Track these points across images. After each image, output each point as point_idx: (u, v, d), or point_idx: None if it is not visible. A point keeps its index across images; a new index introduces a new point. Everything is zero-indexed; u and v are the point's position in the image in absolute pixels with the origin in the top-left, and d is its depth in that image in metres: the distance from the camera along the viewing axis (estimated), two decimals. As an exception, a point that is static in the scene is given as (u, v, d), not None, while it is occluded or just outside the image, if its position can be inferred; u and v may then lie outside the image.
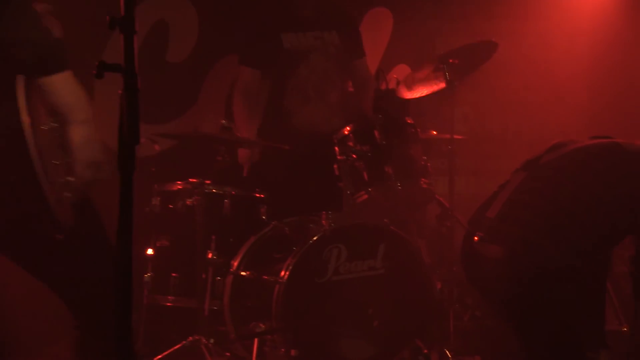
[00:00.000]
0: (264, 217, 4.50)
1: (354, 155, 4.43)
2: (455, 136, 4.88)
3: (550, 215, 3.55)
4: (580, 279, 3.60)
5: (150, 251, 4.47)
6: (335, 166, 4.48)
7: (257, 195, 4.55)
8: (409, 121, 4.59)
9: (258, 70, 4.97)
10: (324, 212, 4.25)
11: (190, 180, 4.43)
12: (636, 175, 3.61)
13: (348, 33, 5.11)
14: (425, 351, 4.02)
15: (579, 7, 6.27)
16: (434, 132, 4.97)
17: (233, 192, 4.42)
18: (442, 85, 4.89)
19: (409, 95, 5.14)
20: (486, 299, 3.92)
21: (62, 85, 2.97)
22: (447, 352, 4.32)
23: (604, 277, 3.82)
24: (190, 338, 4.30)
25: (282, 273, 4.05)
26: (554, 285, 3.53)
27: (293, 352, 3.98)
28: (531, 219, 3.55)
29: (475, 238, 3.66)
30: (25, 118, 2.87)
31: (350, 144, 4.46)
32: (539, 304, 3.54)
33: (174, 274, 4.47)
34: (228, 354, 4.36)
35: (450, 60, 4.79)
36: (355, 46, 5.19)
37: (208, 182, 4.41)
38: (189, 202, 4.41)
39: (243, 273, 4.30)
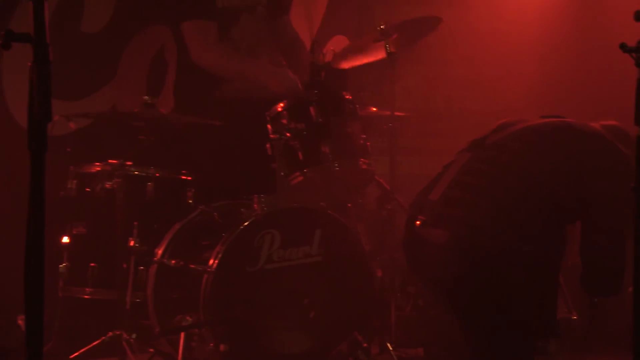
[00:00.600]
0: (190, 202, 4.48)
1: (288, 134, 4.42)
2: (397, 113, 4.89)
3: (495, 197, 3.60)
4: (528, 264, 3.64)
5: (65, 239, 4.41)
6: (267, 145, 4.48)
7: (184, 177, 4.53)
8: (347, 97, 4.60)
9: None
10: (255, 196, 4.23)
11: (110, 161, 4.39)
12: (586, 155, 3.67)
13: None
14: (365, 345, 4.04)
15: None
16: (374, 109, 5.00)
17: (157, 174, 4.39)
18: (383, 56, 4.90)
19: (345, 65, 5.15)
20: (429, 287, 3.98)
21: None
22: (389, 345, 4.37)
23: (555, 263, 3.86)
24: (110, 333, 4.27)
25: (211, 262, 4.04)
26: (500, 271, 3.57)
27: (222, 347, 3.96)
28: (475, 202, 3.60)
29: (417, 222, 3.69)
30: None
31: (284, 121, 4.45)
32: (484, 291, 3.58)
33: (92, 264, 4.42)
34: (152, 349, 4.35)
35: (391, 34, 4.82)
36: (279, 3, 5.21)
37: (129, 163, 4.37)
38: (108, 185, 4.36)
39: (168, 262, 4.26)
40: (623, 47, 2.74)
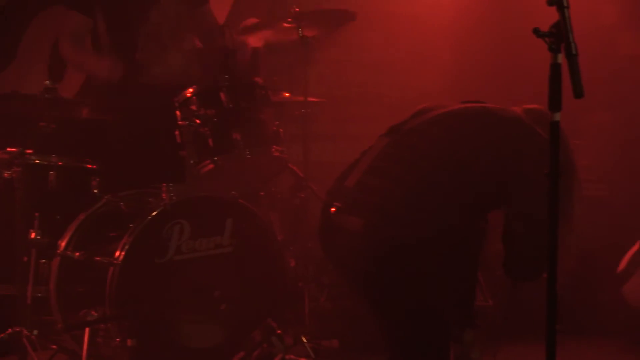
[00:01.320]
0: (95, 191, 4.40)
1: (198, 121, 4.40)
2: (310, 99, 4.91)
3: (411, 184, 3.58)
4: (445, 253, 3.66)
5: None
6: (177, 133, 4.45)
7: (88, 166, 4.46)
8: (259, 82, 4.59)
9: (90, 18, 4.84)
10: (164, 185, 4.20)
11: (9, 149, 4.29)
12: (504, 141, 3.68)
13: None
14: (279, 332, 4.06)
15: None
16: (287, 94, 5.01)
17: (60, 163, 4.31)
18: (295, 37, 4.89)
19: (254, 42, 5.14)
20: (343, 276, 3.96)
21: None
22: (303, 337, 4.35)
23: (473, 252, 3.90)
24: (10, 330, 4.16)
25: (117, 253, 4.01)
26: (415, 260, 3.55)
27: (130, 342, 3.94)
28: (391, 188, 3.58)
29: (333, 209, 3.67)
30: None
31: (194, 107, 4.45)
32: (399, 280, 3.58)
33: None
34: (55, 346, 4.28)
35: (305, 19, 4.83)
36: None
37: (29, 151, 4.29)
38: (7, 174, 4.28)
39: (72, 254, 4.19)
40: (536, 31, 2.76)
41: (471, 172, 3.61)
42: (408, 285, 3.55)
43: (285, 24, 4.88)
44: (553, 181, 2.88)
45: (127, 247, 4.00)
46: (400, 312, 3.59)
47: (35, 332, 4.13)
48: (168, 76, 4.91)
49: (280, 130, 4.60)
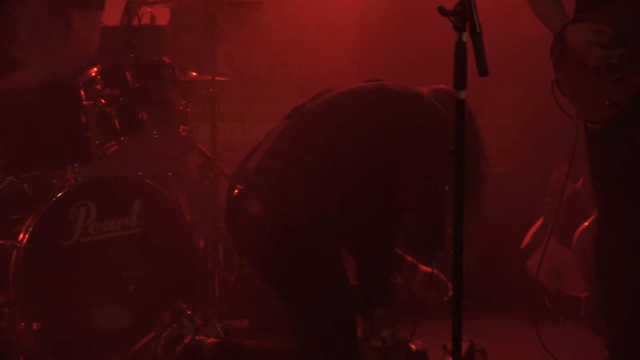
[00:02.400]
0: None
1: (103, 100, 4.38)
2: (218, 78, 4.91)
3: (307, 164, 3.63)
4: (343, 232, 3.70)
5: None
6: (82, 114, 4.41)
7: None
8: (165, 61, 4.58)
9: None
10: (69, 166, 4.14)
11: None
12: (399, 115, 3.72)
13: None
14: (189, 312, 4.04)
15: None
16: (194, 74, 5.00)
17: None
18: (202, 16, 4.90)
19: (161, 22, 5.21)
20: (246, 257, 4.01)
21: None
22: (213, 316, 4.36)
23: (373, 229, 3.91)
24: None
25: (21, 236, 3.96)
26: (312, 240, 3.59)
27: (35, 326, 3.87)
28: (287, 169, 3.63)
29: (235, 191, 3.72)
30: None
31: (98, 87, 4.42)
32: (296, 260, 3.61)
33: None
34: None
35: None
36: None
37: None
38: None
39: None
40: (441, 10, 2.77)
41: (365, 148, 3.69)
42: (305, 264, 3.60)
43: (192, 2, 4.87)
44: (458, 159, 2.86)
45: (31, 229, 3.95)
46: (299, 291, 3.62)
47: None
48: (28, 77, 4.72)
49: (188, 110, 4.61)
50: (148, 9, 5.28)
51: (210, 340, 3.77)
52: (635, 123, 3.85)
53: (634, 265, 4.01)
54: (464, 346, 3.80)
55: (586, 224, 5.02)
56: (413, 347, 3.91)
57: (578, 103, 3.99)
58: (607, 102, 3.83)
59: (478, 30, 2.75)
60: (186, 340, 3.74)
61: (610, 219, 4.08)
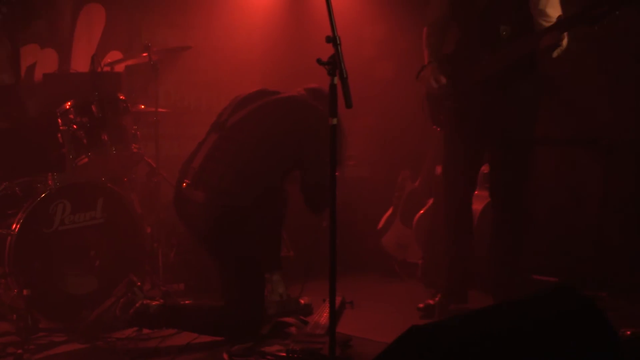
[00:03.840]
0: None
1: (75, 126, 4.29)
2: (160, 109, 4.85)
3: (237, 167, 3.67)
4: (260, 215, 3.74)
5: None
6: (59, 135, 4.31)
7: None
8: (121, 97, 4.49)
9: None
10: (50, 174, 4.08)
11: None
12: (298, 122, 3.78)
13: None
14: (139, 284, 3.97)
15: (254, 8, 6.35)
16: (142, 106, 4.90)
17: None
18: (147, 63, 4.80)
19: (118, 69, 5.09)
20: (192, 234, 3.97)
21: None
22: (157, 282, 4.32)
23: (278, 215, 4.00)
24: None
25: (14, 226, 3.89)
26: (240, 222, 3.65)
27: (25, 292, 3.76)
28: (223, 171, 3.67)
29: (184, 184, 3.74)
30: None
31: (72, 116, 4.32)
32: (227, 236, 3.65)
33: None
34: None
35: (154, 50, 4.76)
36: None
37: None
38: None
39: None
40: (319, 61, 2.79)
41: (277, 153, 3.72)
42: (233, 239, 3.65)
43: (141, 54, 4.80)
44: (333, 163, 2.90)
45: (21, 221, 3.88)
46: (229, 259, 3.68)
47: (-51, 287, 3.89)
48: None
49: (138, 132, 4.56)
50: (108, 59, 5.23)
51: (155, 302, 3.72)
52: (473, 132, 3.95)
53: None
54: (338, 300, 3.85)
55: (422, 212, 5.07)
56: (302, 301, 3.98)
57: (432, 113, 4.08)
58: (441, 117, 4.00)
59: (345, 75, 2.77)
60: (137, 304, 3.70)
61: (449, 194, 4.09)
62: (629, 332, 3.02)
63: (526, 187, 3.97)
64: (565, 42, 3.67)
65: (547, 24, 3.71)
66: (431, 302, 4.09)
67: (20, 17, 4.80)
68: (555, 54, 3.70)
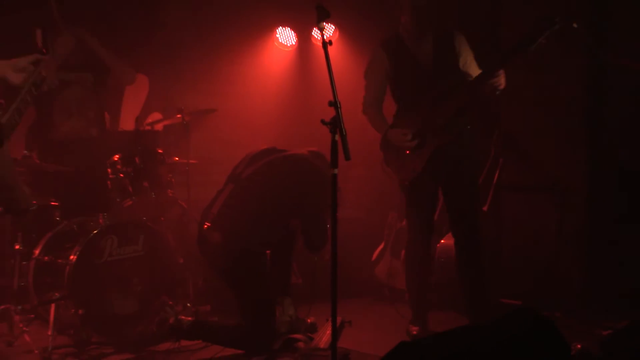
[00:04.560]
0: (57, 218, 4.25)
1: (121, 175, 4.32)
2: (190, 161, 4.85)
3: (250, 214, 3.65)
4: (271, 252, 3.77)
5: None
6: (108, 182, 4.35)
7: (53, 203, 4.27)
8: (159, 151, 4.52)
9: None
10: (100, 214, 4.13)
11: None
12: (303, 181, 3.77)
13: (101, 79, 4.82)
14: (171, 303, 3.97)
15: (268, 78, 6.30)
16: (176, 158, 4.92)
17: (34, 202, 4.02)
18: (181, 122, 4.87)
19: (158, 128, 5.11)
20: (212, 268, 3.95)
21: None
22: (188, 304, 4.32)
23: (288, 252, 3.98)
24: (3, 306, 4.02)
25: (71, 257, 3.91)
26: (253, 260, 3.65)
27: (80, 312, 3.83)
28: (238, 217, 3.65)
29: (205, 226, 3.70)
30: None
31: (119, 166, 4.34)
32: (243, 272, 3.63)
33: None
34: (32, 315, 4.08)
35: (187, 113, 4.82)
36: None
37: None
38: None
39: (42, 258, 4.06)
40: (322, 121, 2.82)
41: (283, 202, 3.69)
42: (249, 273, 3.64)
43: (176, 116, 4.85)
44: (334, 207, 2.90)
45: (77, 253, 3.89)
46: (245, 289, 3.67)
47: (19, 307, 3.99)
48: (72, 134, 4.58)
49: (172, 179, 4.56)
50: (150, 120, 5.24)
51: (187, 319, 3.72)
52: (427, 181, 3.92)
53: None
54: (338, 319, 3.75)
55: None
56: (308, 320, 3.97)
57: (396, 171, 4.00)
58: (411, 170, 3.90)
59: (344, 133, 2.79)
60: (171, 321, 3.70)
61: (410, 238, 4.05)
62: (579, 346, 3.04)
63: (479, 220, 3.92)
64: (503, 80, 3.68)
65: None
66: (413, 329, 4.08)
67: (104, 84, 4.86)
68: (497, 92, 3.73)
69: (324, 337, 3.67)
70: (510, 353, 2.28)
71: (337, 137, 2.80)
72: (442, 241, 4.76)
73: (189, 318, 3.75)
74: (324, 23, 2.90)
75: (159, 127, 5.19)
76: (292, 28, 6.24)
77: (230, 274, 3.67)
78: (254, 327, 3.60)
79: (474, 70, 3.90)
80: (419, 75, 3.88)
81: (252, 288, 3.64)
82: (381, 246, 5.29)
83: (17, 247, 4.08)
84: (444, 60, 3.88)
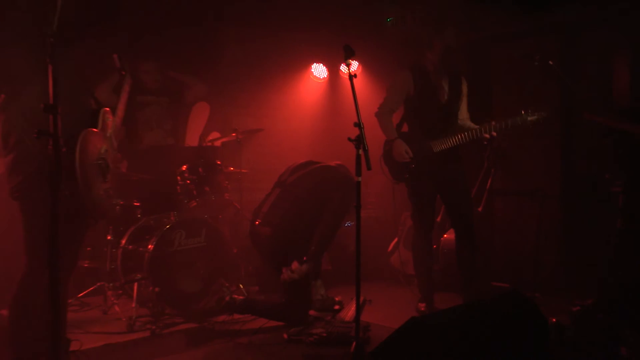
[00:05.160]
0: (139, 215, 4.29)
1: (188, 181, 4.33)
2: (243, 170, 4.87)
3: (294, 214, 3.69)
4: (307, 244, 3.72)
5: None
6: (177, 187, 4.35)
7: (135, 203, 4.31)
8: (218, 162, 4.53)
9: None
10: (172, 212, 4.17)
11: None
12: (334, 187, 3.74)
13: (175, 98, 4.81)
14: (227, 284, 4.03)
15: (305, 102, 6.24)
16: (232, 168, 4.92)
17: (121, 202, 4.13)
18: (233, 138, 4.86)
19: (217, 143, 5.11)
20: (262, 256, 3.98)
21: None
22: (241, 285, 4.33)
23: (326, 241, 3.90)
24: (98, 283, 4.20)
25: (150, 246, 3.95)
26: (296, 248, 3.66)
27: (157, 289, 3.87)
28: (284, 215, 3.71)
29: (257, 222, 3.76)
30: None
31: (186, 174, 4.35)
32: (285, 259, 3.64)
33: (88, 248, 4.33)
34: (120, 291, 4.20)
35: (240, 132, 4.83)
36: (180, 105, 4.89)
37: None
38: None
39: (127, 247, 4.11)
40: (349, 139, 2.76)
41: (315, 206, 3.68)
42: (288, 257, 3.63)
43: (231, 134, 4.84)
44: (358, 207, 2.78)
45: (154, 243, 3.93)
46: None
47: (111, 284, 4.11)
48: (154, 142, 4.54)
49: (229, 185, 4.55)
50: (210, 137, 5.27)
51: (239, 297, 3.76)
52: (427, 189, 3.88)
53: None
54: (361, 298, 3.73)
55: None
56: (336, 299, 3.96)
57: (391, 170, 3.92)
58: (401, 176, 3.85)
59: (366, 148, 2.78)
60: (227, 298, 3.73)
61: (416, 234, 3.99)
62: (554, 320, 3.04)
63: (474, 220, 3.89)
64: (495, 134, 3.76)
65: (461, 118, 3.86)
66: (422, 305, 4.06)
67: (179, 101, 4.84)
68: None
69: (349, 312, 3.69)
70: (499, 327, 2.34)
71: (360, 151, 2.81)
72: (445, 236, 4.74)
73: (241, 297, 3.81)
74: (350, 60, 2.91)
75: (217, 143, 5.23)
76: (324, 64, 6.27)
77: (275, 259, 3.72)
78: (293, 304, 3.66)
79: (465, 112, 3.95)
80: (436, 106, 3.80)
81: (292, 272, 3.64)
82: (395, 240, 5.24)
83: (108, 237, 4.18)
84: (455, 100, 3.86)
